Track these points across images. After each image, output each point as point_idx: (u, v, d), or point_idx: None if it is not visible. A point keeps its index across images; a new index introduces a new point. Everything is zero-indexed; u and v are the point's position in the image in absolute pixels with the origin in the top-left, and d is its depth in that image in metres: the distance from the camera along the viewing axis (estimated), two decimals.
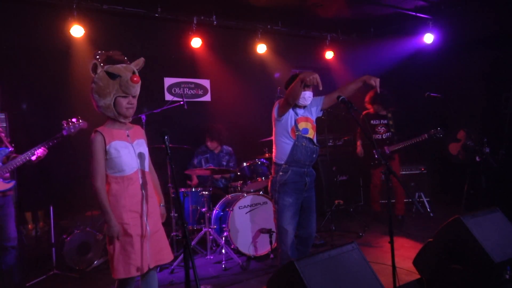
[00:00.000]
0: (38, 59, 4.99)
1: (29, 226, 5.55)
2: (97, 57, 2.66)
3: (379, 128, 5.62)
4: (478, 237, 2.87)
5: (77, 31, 4.88)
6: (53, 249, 4.28)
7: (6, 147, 3.48)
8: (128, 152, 2.62)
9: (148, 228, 2.60)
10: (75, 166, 4.99)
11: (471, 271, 2.89)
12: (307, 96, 3.42)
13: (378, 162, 5.54)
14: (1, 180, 3.41)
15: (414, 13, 6.02)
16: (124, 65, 2.66)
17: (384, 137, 5.60)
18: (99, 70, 2.60)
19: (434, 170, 6.54)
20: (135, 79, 2.59)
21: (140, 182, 2.63)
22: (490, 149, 4.93)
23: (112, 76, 2.57)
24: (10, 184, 3.47)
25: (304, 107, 3.52)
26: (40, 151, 3.48)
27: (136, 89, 2.65)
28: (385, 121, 5.67)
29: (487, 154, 4.84)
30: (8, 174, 3.45)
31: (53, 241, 4.28)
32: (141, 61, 2.74)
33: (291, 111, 3.43)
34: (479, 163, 5.05)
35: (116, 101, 2.60)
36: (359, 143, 5.76)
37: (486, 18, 5.78)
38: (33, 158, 3.46)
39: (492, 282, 2.83)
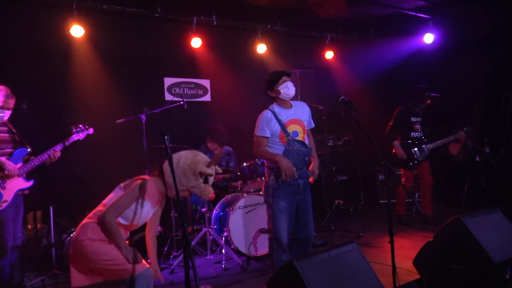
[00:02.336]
0: (38, 59, 4.99)
1: (29, 226, 5.55)
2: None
3: (417, 125, 5.47)
4: (478, 237, 2.87)
5: (77, 31, 4.88)
6: (53, 249, 4.28)
7: (25, 147, 3.57)
8: (145, 213, 2.75)
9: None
10: (75, 166, 5.00)
11: (471, 271, 2.89)
12: (290, 85, 3.42)
13: (417, 161, 5.40)
14: (22, 178, 3.50)
15: (414, 13, 6.01)
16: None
17: (421, 134, 5.47)
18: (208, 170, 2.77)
19: (434, 170, 6.54)
20: (213, 196, 2.82)
21: (125, 234, 2.78)
22: (490, 149, 4.92)
23: (205, 181, 2.78)
24: (30, 183, 3.55)
25: (291, 106, 3.48)
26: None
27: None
28: (420, 119, 5.53)
29: (487, 154, 4.83)
30: (25, 174, 3.53)
31: (53, 241, 4.28)
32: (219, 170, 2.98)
33: (274, 122, 3.34)
34: (479, 163, 5.05)
35: (181, 191, 2.75)
36: (396, 143, 5.46)
37: (486, 18, 5.78)
38: (48, 158, 3.57)
39: (492, 282, 2.83)
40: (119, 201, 2.62)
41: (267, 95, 3.51)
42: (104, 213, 2.58)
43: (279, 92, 3.40)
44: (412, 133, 5.47)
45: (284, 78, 3.41)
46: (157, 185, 2.77)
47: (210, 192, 2.79)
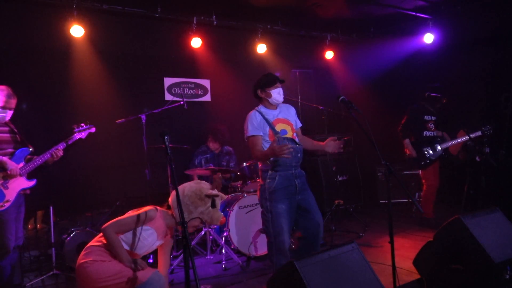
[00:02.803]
0: (38, 59, 4.99)
1: (29, 226, 5.56)
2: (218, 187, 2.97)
3: (430, 124, 5.34)
4: (478, 237, 2.87)
5: (77, 31, 4.88)
6: (53, 249, 4.28)
7: (27, 147, 3.58)
8: (149, 243, 2.76)
9: None
10: (75, 167, 5.00)
11: (471, 271, 2.89)
12: (281, 92, 3.42)
13: (429, 161, 5.29)
14: (24, 178, 3.51)
15: (414, 13, 6.02)
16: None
17: (434, 134, 5.35)
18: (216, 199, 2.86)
19: None
20: (224, 220, 2.96)
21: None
22: (490, 149, 4.92)
23: (213, 205, 2.85)
24: (32, 182, 3.56)
25: (277, 107, 3.48)
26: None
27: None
28: (435, 118, 5.40)
29: (487, 154, 4.82)
30: (27, 174, 3.54)
31: (53, 241, 4.28)
32: (224, 197, 3.03)
33: (263, 122, 3.37)
34: (479, 163, 5.04)
35: (195, 219, 2.80)
36: (406, 142, 5.38)
37: (486, 18, 5.78)
38: (50, 157, 3.58)
39: (492, 282, 2.83)
40: (123, 219, 2.68)
41: (255, 94, 3.51)
42: (106, 225, 2.63)
43: (270, 95, 3.40)
44: (425, 132, 5.35)
45: (278, 84, 3.42)
46: (165, 217, 2.82)
47: (220, 216, 2.86)
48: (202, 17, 5.79)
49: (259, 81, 3.46)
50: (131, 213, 2.77)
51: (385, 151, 3.02)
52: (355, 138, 6.81)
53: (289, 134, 3.42)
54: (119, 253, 2.61)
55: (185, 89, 6.14)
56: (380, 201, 6.68)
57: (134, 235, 2.68)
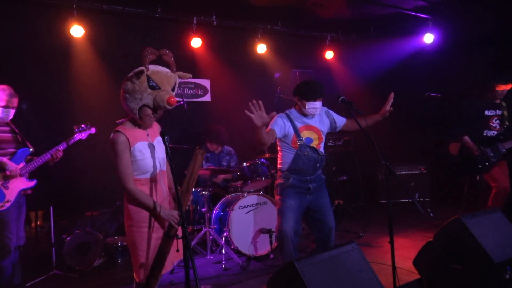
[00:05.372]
0: (38, 59, 4.99)
1: (32, 224, 5.56)
2: (149, 55, 2.48)
3: (493, 121, 4.45)
4: (478, 237, 2.86)
5: (77, 31, 4.88)
6: (53, 249, 4.28)
7: (28, 147, 3.59)
8: (151, 152, 2.60)
9: None
10: (75, 166, 5.00)
11: (471, 271, 2.89)
12: (318, 105, 3.36)
13: (489, 164, 4.47)
14: (25, 178, 3.52)
15: (414, 13, 6.02)
16: (169, 73, 2.55)
17: (498, 133, 4.49)
18: (143, 75, 2.45)
19: (434, 170, 6.54)
20: (172, 100, 2.47)
21: (162, 183, 2.66)
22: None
23: (152, 86, 2.47)
24: (33, 183, 3.57)
25: (312, 116, 3.45)
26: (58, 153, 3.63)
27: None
28: (500, 112, 4.50)
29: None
30: (27, 174, 3.55)
31: (53, 241, 4.28)
32: (188, 76, 2.69)
33: (289, 126, 3.35)
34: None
35: (142, 109, 2.52)
36: (467, 138, 4.50)
37: (486, 18, 5.78)
38: (50, 158, 3.59)
39: (492, 282, 2.83)
40: (120, 166, 2.50)
41: (293, 94, 3.48)
42: (123, 184, 2.51)
43: (304, 106, 3.37)
44: (485, 131, 4.50)
45: (316, 100, 3.34)
46: (129, 125, 2.59)
47: (166, 94, 2.46)
48: (202, 17, 5.79)
49: (300, 89, 3.40)
50: (117, 158, 2.50)
51: (385, 151, 3.02)
52: (355, 138, 6.81)
53: (314, 143, 3.40)
54: (151, 207, 2.49)
55: (185, 89, 6.14)
56: (380, 201, 6.67)
57: (136, 161, 2.52)
